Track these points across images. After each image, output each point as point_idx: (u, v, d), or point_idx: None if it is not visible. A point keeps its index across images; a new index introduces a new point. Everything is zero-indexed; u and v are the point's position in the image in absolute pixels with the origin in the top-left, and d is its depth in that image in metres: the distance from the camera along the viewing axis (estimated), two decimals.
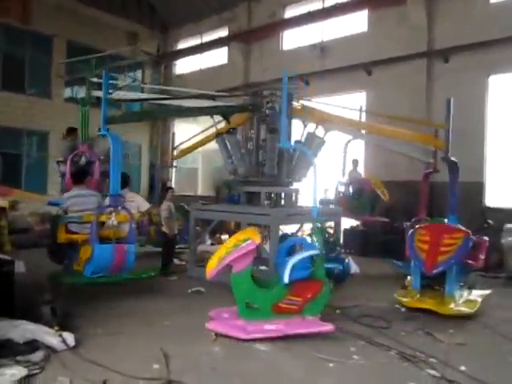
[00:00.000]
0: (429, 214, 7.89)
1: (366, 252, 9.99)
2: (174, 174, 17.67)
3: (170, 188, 8.75)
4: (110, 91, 6.98)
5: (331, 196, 10.94)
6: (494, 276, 8.00)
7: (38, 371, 3.55)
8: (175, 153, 11.62)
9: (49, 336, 4.00)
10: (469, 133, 10.02)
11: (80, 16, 15.06)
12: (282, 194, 7.80)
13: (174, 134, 10.48)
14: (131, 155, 17.64)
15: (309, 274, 4.80)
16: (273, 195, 7.71)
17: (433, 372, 3.80)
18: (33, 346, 3.89)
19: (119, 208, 5.91)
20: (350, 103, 10.87)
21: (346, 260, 7.31)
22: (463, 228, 5.94)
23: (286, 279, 4.62)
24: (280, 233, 7.09)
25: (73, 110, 14.36)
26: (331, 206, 9.72)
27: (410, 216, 7.82)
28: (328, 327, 4.56)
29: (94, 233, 5.64)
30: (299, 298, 4.67)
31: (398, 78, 11.42)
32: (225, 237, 11.36)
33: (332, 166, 11.65)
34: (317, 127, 7.92)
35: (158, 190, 11.78)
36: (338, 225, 8.31)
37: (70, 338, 4.08)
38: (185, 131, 12.57)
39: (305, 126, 7.98)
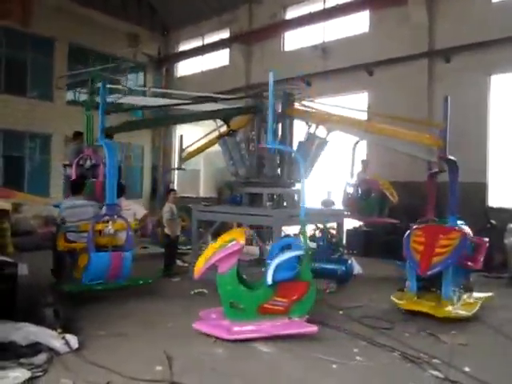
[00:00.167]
0: (436, 215, 7.78)
1: (369, 253, 9.96)
2: (176, 176, 17.72)
3: (173, 190, 8.77)
4: (112, 97, 7.09)
5: (335, 197, 10.85)
6: (498, 276, 7.97)
7: (41, 374, 3.56)
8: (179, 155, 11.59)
9: (52, 338, 4.01)
10: (471, 133, 10.01)
11: (81, 18, 15.10)
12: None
13: (181, 136, 10.45)
14: (133, 157, 17.70)
15: (295, 274, 4.76)
16: (275, 196, 7.71)
17: (436, 373, 3.79)
18: (36, 348, 3.90)
19: (115, 217, 6.05)
20: (353, 103, 10.86)
21: (349, 261, 7.30)
22: (462, 228, 5.87)
23: (270, 280, 4.62)
24: (282, 234, 7.09)
25: (75, 112, 14.43)
26: (334, 207, 9.71)
27: (412, 217, 7.77)
28: (312, 328, 4.53)
29: (90, 241, 5.76)
30: (285, 299, 4.65)
31: (399, 78, 11.41)
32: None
33: (340, 167, 11.63)
34: (317, 127, 7.90)
35: (161, 193, 11.79)
36: (340, 226, 8.30)
37: (72, 340, 4.09)
38: (187, 133, 12.56)
39: (309, 126, 7.97)
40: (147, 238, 10.66)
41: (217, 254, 4.70)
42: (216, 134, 8.74)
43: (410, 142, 8.04)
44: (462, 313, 5.31)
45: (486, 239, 6.11)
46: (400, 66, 11.48)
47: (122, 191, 7.10)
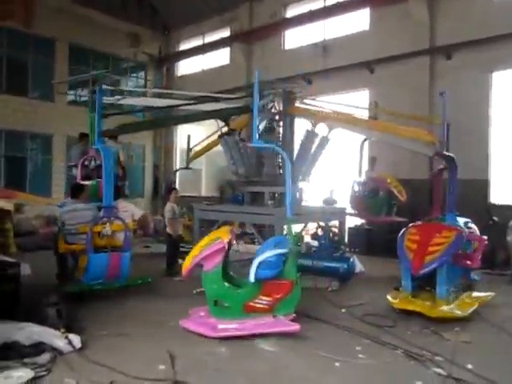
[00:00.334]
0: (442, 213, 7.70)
1: (371, 251, 9.95)
2: (177, 175, 17.71)
3: (174, 189, 8.77)
4: (112, 99, 7.18)
5: (338, 196, 10.76)
6: (500, 273, 7.96)
7: (44, 373, 3.57)
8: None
9: (55, 338, 4.02)
10: (473, 130, 9.97)
11: (81, 18, 15.09)
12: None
13: (189, 136, 10.41)
14: (135, 157, 17.69)
15: (279, 273, 4.76)
16: (276, 195, 7.70)
17: (439, 370, 3.78)
18: (39, 348, 3.90)
19: (112, 218, 6.22)
20: (354, 101, 10.83)
21: (351, 259, 7.30)
22: (458, 226, 5.81)
23: (252, 278, 4.63)
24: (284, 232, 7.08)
25: (76, 112, 14.45)
26: (336, 206, 9.68)
27: (415, 215, 7.74)
28: (294, 327, 4.53)
29: (88, 243, 5.90)
30: (269, 298, 4.66)
31: (400, 75, 11.38)
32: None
33: (343, 165, 11.59)
34: (315, 126, 7.86)
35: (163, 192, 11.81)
36: (342, 224, 8.29)
37: (75, 339, 4.10)
38: (189, 133, 12.54)
39: (312, 125, 7.95)
40: (149, 238, 10.69)
41: (202, 252, 4.75)
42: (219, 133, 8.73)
43: (412, 139, 8.00)
44: (457, 312, 5.18)
45: (485, 237, 6.02)
46: (401, 64, 11.44)
47: (118, 193, 7.27)
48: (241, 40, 15.41)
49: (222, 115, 8.04)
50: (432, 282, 5.48)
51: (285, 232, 8.10)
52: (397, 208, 9.34)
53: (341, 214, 8.32)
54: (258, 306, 4.65)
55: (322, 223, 7.97)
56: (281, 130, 8.01)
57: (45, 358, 3.78)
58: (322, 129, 7.99)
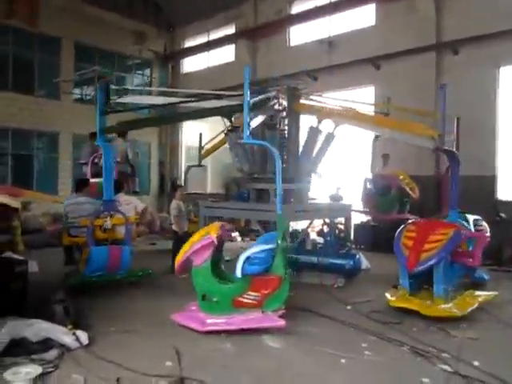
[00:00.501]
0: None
1: (377, 248, 9.91)
2: (183, 172, 17.76)
3: (180, 186, 8.80)
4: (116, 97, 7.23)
5: (344, 193, 10.69)
6: (507, 270, 7.91)
7: (52, 369, 3.59)
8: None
9: (62, 334, 4.04)
10: (480, 126, 9.90)
11: (86, 17, 15.14)
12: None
13: (201, 134, 10.42)
14: (141, 154, 17.75)
15: (267, 268, 4.77)
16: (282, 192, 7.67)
17: (446, 367, 3.77)
18: (47, 344, 3.93)
19: (112, 212, 6.40)
20: (359, 98, 10.79)
21: (357, 256, 7.27)
22: (457, 223, 5.74)
23: (239, 273, 4.69)
24: (290, 229, 7.10)
25: (82, 110, 14.54)
26: (341, 202, 9.64)
27: (422, 212, 7.71)
28: (280, 322, 4.54)
29: (89, 236, 6.05)
30: (258, 293, 4.66)
31: (406, 71, 11.31)
32: (235, 234, 11.38)
33: (351, 162, 11.53)
34: (320, 122, 7.83)
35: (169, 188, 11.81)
36: (348, 220, 8.27)
37: (83, 336, 4.12)
38: (193, 130, 12.57)
39: (319, 121, 7.90)
40: (155, 235, 10.73)
41: (192, 247, 4.81)
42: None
43: (418, 134, 7.93)
44: (455, 311, 5.06)
45: (487, 234, 5.94)
46: (407, 60, 11.37)
47: (119, 187, 7.47)
48: (246, 37, 15.41)
49: (224, 112, 8.03)
50: (431, 280, 5.38)
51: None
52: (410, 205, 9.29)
53: (347, 211, 8.30)
54: (246, 301, 4.66)
55: (327, 220, 7.96)
56: (286, 126, 7.98)
57: (52, 354, 3.81)
58: (327, 125, 7.94)
